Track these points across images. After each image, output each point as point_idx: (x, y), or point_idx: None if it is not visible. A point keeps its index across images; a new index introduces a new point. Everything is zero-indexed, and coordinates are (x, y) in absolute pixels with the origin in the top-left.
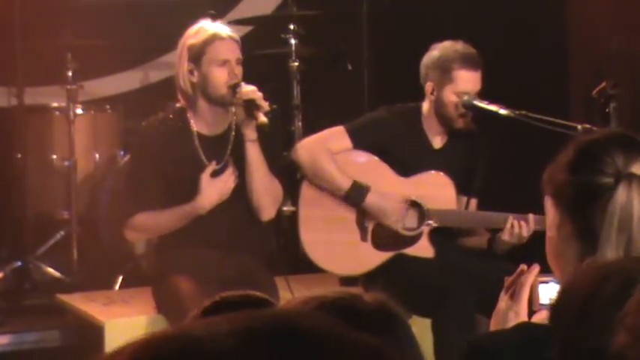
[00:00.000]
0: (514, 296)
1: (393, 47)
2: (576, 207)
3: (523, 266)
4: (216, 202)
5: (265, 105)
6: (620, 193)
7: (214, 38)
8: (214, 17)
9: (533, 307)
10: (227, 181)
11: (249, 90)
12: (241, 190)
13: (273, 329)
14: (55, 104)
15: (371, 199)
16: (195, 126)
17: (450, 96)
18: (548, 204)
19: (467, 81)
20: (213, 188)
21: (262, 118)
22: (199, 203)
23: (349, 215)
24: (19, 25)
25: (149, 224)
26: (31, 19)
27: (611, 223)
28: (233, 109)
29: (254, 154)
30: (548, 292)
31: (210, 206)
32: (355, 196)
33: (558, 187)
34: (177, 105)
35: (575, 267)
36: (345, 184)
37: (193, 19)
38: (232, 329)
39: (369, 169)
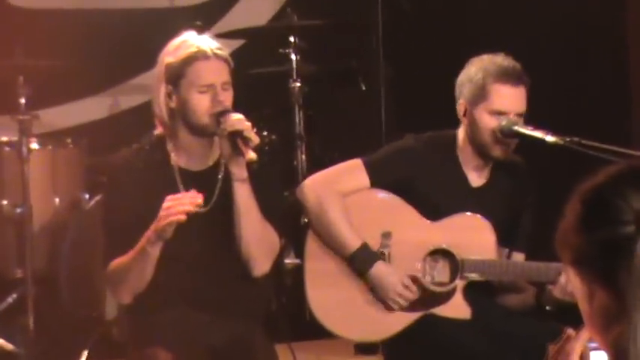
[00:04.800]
0: None
1: (416, 62)
2: (603, 270)
3: (570, 331)
4: (159, 230)
5: (254, 137)
6: None
7: (196, 57)
8: (200, 29)
9: None
10: (179, 202)
11: (234, 120)
12: (231, 239)
13: None
14: (3, 138)
15: (376, 272)
16: (177, 159)
17: (483, 116)
18: (570, 274)
19: (504, 97)
20: (158, 217)
21: (250, 154)
22: (143, 238)
23: None
24: None
25: (116, 272)
26: None
27: (638, 280)
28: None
29: (242, 195)
30: None
31: (152, 240)
32: (360, 262)
33: (575, 251)
34: (155, 133)
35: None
36: (352, 243)
37: (174, 32)
38: None
39: (389, 211)
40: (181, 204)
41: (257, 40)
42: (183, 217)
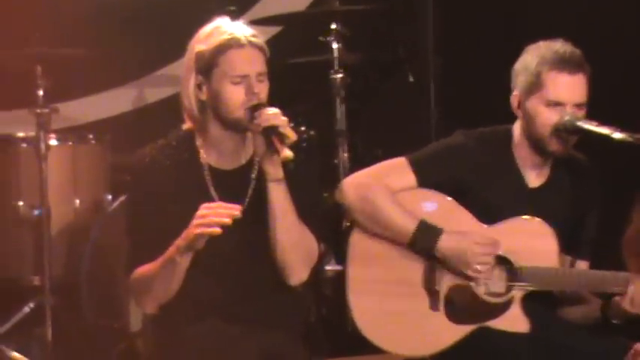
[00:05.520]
0: None
1: (469, 51)
2: None
3: (638, 346)
4: (190, 240)
5: (290, 133)
6: None
7: (229, 45)
8: (234, 15)
9: None
10: (214, 212)
11: (269, 114)
12: (265, 245)
13: None
14: (20, 134)
15: (445, 242)
16: (206, 157)
17: (538, 108)
18: None
19: (560, 87)
20: (190, 225)
21: (286, 152)
22: (172, 246)
23: (414, 275)
24: None
25: (141, 280)
26: None
27: None
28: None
29: (277, 197)
30: None
31: (181, 250)
32: (424, 239)
33: None
34: (184, 127)
35: None
36: (409, 225)
37: (206, 18)
38: None
39: (439, 213)
40: (217, 214)
41: (295, 26)
42: (218, 231)
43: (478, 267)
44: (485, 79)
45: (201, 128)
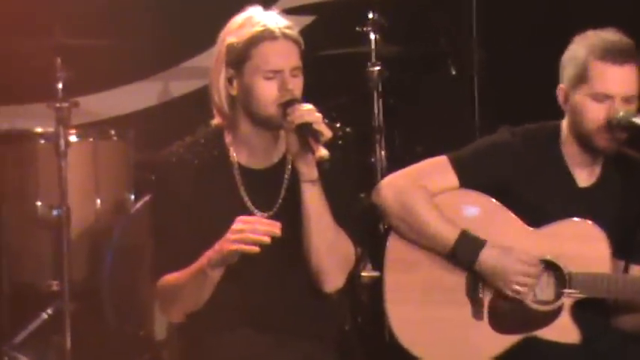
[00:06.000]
0: None
1: (515, 42)
2: None
3: None
4: (224, 255)
5: (325, 131)
6: None
7: (262, 37)
8: (266, 4)
9: None
10: (251, 228)
11: (303, 110)
12: (299, 249)
13: None
14: (38, 129)
15: (487, 257)
16: (236, 155)
17: (585, 102)
18: None
19: (607, 78)
20: (224, 239)
21: (321, 151)
22: (204, 258)
23: (456, 282)
24: None
25: (168, 289)
26: (4, 14)
27: None
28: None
29: (312, 199)
30: None
31: (213, 263)
32: (465, 251)
33: None
34: (213, 123)
35: None
36: (450, 234)
37: (236, 7)
38: None
39: (483, 216)
40: (255, 231)
41: (330, 16)
42: (255, 249)
43: (518, 288)
44: (532, 71)
45: (231, 125)
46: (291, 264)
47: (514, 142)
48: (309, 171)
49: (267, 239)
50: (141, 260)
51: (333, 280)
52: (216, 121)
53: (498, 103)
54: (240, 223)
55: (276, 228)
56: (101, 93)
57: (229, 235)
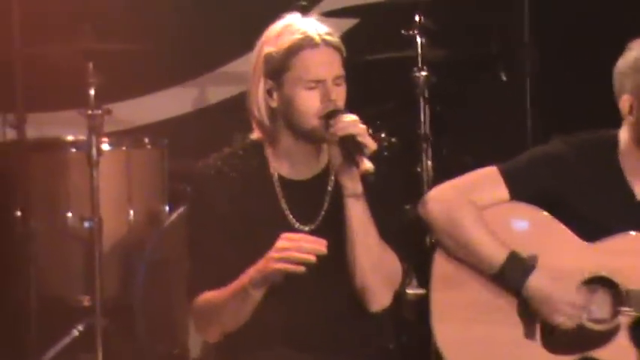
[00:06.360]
0: None
1: (570, 45)
2: None
3: None
4: (268, 274)
5: (370, 143)
6: None
7: (302, 46)
8: (306, 10)
9: None
10: (297, 246)
11: (346, 122)
12: (342, 266)
13: None
14: (69, 137)
15: (535, 282)
16: (276, 166)
17: None
18: None
19: None
20: (268, 258)
21: (366, 164)
22: (245, 276)
23: (507, 300)
24: (18, 24)
25: (206, 309)
26: (34, 17)
27: None
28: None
29: (356, 214)
30: None
31: (255, 282)
32: (513, 275)
33: None
34: (252, 137)
35: None
36: (498, 255)
37: (273, 9)
38: None
39: (535, 229)
40: (300, 249)
41: (374, 19)
42: (301, 269)
43: (562, 319)
44: (590, 75)
45: (271, 139)
46: (334, 281)
47: (568, 153)
48: (353, 185)
49: (313, 258)
50: (175, 275)
51: (379, 298)
52: (255, 135)
53: (552, 110)
54: (285, 240)
55: (322, 246)
56: (134, 99)
57: (273, 254)
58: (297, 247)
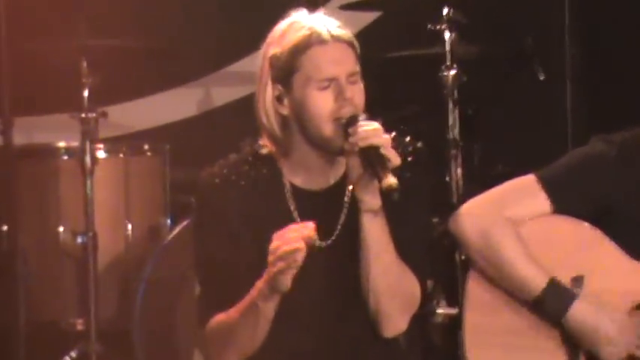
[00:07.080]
0: None
1: (613, 42)
2: None
3: None
4: (272, 281)
5: (394, 157)
6: None
7: (309, 43)
8: (313, 5)
9: None
10: (284, 240)
11: (367, 131)
12: (357, 285)
13: None
14: (61, 144)
15: (578, 313)
16: (289, 175)
17: None
18: None
19: None
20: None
21: (390, 179)
22: (254, 290)
23: (549, 326)
24: (3, 18)
25: (220, 333)
26: (22, 10)
27: None
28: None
29: (373, 232)
30: None
31: (263, 294)
32: (552, 304)
33: None
34: (262, 152)
35: None
36: (537, 282)
37: (283, 5)
38: None
39: (581, 247)
40: (287, 241)
41: (398, 12)
42: (297, 262)
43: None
44: (633, 74)
45: (284, 150)
46: (351, 302)
47: (611, 153)
48: (371, 199)
49: (301, 245)
50: (178, 296)
51: (394, 324)
52: (265, 150)
53: (594, 111)
54: (276, 240)
55: (308, 230)
56: (132, 102)
57: (269, 257)
58: (284, 240)
